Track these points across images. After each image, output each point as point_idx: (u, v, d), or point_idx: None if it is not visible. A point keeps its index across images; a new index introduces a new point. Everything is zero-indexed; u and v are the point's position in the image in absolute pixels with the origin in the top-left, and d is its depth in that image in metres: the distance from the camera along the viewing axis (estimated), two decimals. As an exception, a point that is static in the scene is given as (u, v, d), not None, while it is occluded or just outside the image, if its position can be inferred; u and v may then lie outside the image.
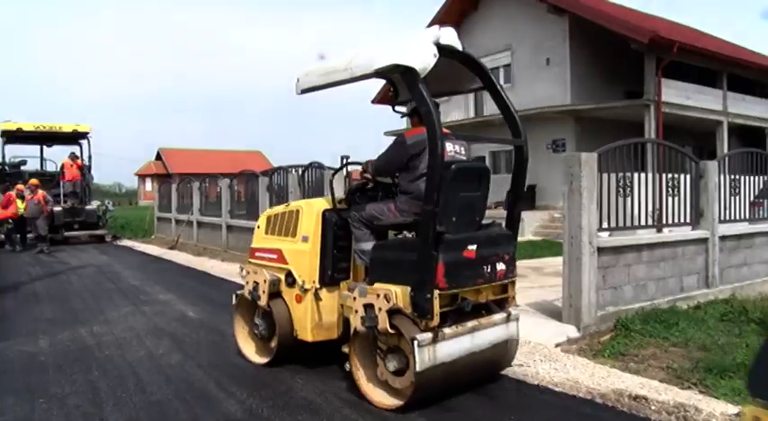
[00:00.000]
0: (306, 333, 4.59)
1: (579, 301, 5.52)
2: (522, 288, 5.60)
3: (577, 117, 16.78)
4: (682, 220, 6.85)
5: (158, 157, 56.47)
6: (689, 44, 15.32)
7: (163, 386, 4.43)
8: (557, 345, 5.30)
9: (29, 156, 19.54)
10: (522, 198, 4.54)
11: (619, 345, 5.21)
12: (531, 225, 15.97)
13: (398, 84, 4.73)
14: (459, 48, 4.25)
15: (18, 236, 15.33)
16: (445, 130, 4.14)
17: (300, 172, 11.40)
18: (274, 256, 4.87)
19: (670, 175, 6.78)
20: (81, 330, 6.27)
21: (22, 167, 18.78)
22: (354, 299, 4.09)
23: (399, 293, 3.82)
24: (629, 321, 5.69)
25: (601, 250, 5.70)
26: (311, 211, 4.69)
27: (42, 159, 20.05)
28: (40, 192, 15.24)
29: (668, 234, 6.70)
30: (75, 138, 18.33)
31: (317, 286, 4.55)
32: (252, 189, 13.01)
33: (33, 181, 15.68)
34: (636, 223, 6.31)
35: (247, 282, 4.99)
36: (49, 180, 18.40)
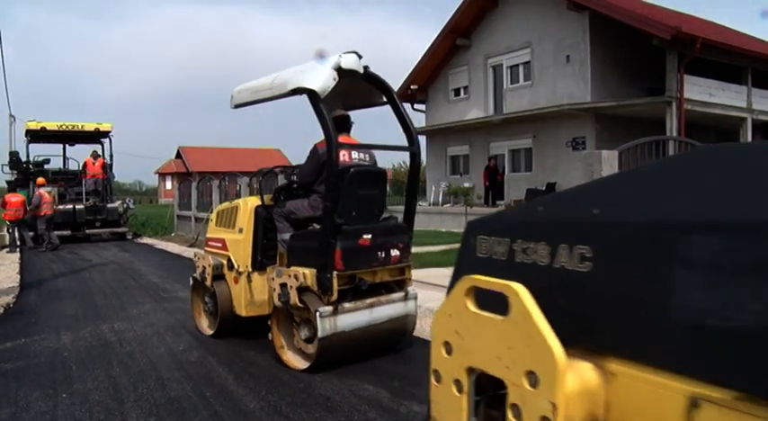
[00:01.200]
0: (241, 309, 5.44)
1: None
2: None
3: (597, 114, 16.63)
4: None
5: (178, 156, 56.93)
6: (712, 40, 15.09)
7: (183, 382, 4.47)
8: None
9: (52, 154, 19.84)
10: (415, 196, 5.44)
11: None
12: (551, 223, 15.86)
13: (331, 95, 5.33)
14: (361, 71, 4.85)
15: (32, 234, 15.48)
16: (353, 141, 5.15)
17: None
18: (220, 245, 5.75)
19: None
20: (103, 326, 6.35)
21: (46, 166, 19.06)
22: (273, 279, 4.93)
23: (308, 274, 4.60)
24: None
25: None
26: (246, 208, 5.49)
27: (65, 158, 20.34)
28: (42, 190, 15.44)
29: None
30: (97, 136, 18.55)
31: (250, 270, 5.34)
32: (271, 187, 13.06)
33: (40, 180, 15.87)
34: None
35: (197, 267, 5.94)
36: (71, 178, 18.67)
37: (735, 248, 1.21)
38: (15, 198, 15.15)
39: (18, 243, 15.12)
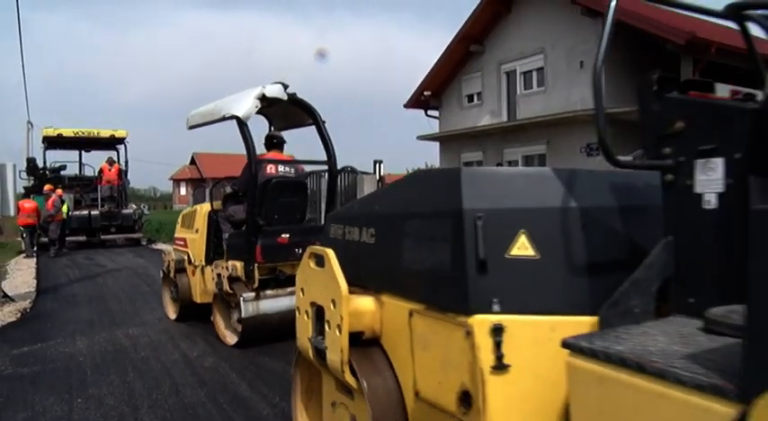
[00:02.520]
0: (196, 297, 6.44)
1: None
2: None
3: (612, 120, 16.48)
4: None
5: (192, 162, 57.22)
6: (727, 44, 14.96)
7: (197, 388, 4.49)
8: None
9: (68, 161, 20.01)
10: (334, 202, 6.41)
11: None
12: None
13: (272, 117, 6.83)
14: (285, 98, 5.72)
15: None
16: (281, 156, 6.17)
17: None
18: (182, 243, 6.83)
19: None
20: (117, 332, 6.39)
21: (62, 172, 19.23)
22: (212, 270, 5.95)
23: (238, 266, 5.49)
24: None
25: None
26: (201, 212, 6.51)
27: (81, 164, 20.51)
28: (53, 196, 15.59)
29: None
30: (112, 143, 18.69)
31: (204, 264, 6.23)
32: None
33: (48, 186, 16.00)
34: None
35: (165, 262, 7.09)
36: (87, 184, 18.82)
37: (415, 225, 2.20)
38: (28, 204, 15.28)
39: (34, 248, 15.26)
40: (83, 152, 20.16)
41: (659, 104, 1.88)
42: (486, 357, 1.81)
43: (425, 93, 22.76)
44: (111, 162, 18.18)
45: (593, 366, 1.50)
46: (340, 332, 2.38)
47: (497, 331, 1.82)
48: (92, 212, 16.84)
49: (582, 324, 1.82)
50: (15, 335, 6.37)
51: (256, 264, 5.41)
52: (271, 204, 5.68)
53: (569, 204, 1.97)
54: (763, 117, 1.55)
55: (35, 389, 4.52)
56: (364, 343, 2.44)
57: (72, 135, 17.89)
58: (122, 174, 18.39)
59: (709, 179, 1.68)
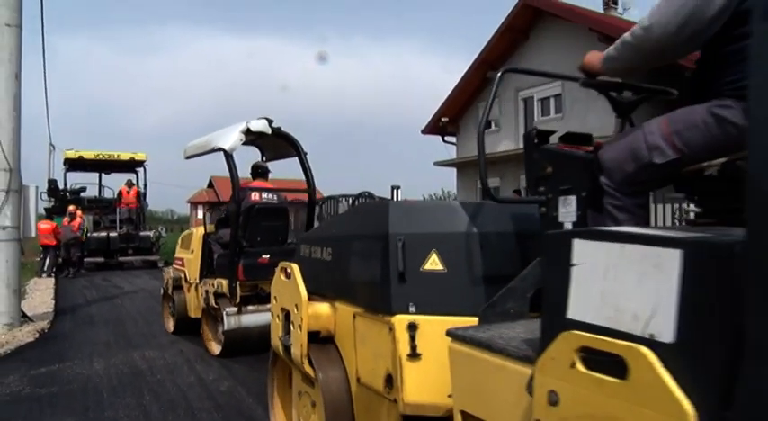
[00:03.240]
0: (191, 312, 7.01)
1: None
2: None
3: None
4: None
5: (210, 185, 57.64)
6: (746, 73, 14.97)
7: (212, 412, 4.47)
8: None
9: (88, 182, 20.26)
10: (312, 227, 6.59)
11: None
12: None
13: (263, 149, 7.43)
14: (269, 132, 6.31)
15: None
16: (266, 184, 6.80)
17: (351, 201, 11.49)
18: (180, 263, 7.45)
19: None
20: (134, 354, 6.40)
21: (82, 194, 19.46)
22: (201, 287, 6.56)
23: (223, 283, 6.02)
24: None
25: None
26: (197, 234, 7.04)
27: (101, 186, 20.75)
28: (78, 219, 15.77)
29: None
30: (132, 166, 18.92)
31: (197, 281, 6.72)
32: (302, 218, 13.16)
33: (71, 207, 16.16)
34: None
35: (164, 280, 7.79)
36: (106, 206, 19.02)
37: (358, 246, 2.73)
38: (45, 224, 15.43)
39: (52, 269, 15.41)
40: (102, 174, 20.42)
41: (537, 153, 2.32)
42: (404, 348, 2.33)
43: (443, 119, 22.85)
44: (130, 184, 18.39)
45: (463, 348, 1.97)
46: (301, 330, 2.95)
47: (412, 327, 2.33)
48: (110, 234, 16.99)
49: (475, 322, 2.20)
50: (33, 356, 6.40)
51: (239, 282, 5.89)
52: (254, 228, 6.26)
53: (471, 230, 2.50)
54: (591, 165, 2.09)
55: (52, 411, 4.52)
56: (321, 340, 2.99)
57: (93, 157, 18.14)
58: (141, 196, 18.58)
59: (567, 211, 2.15)
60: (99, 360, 6.13)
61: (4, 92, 7.81)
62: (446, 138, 23.73)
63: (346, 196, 11.79)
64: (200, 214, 56.86)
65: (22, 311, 8.36)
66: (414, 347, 2.32)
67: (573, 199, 2.13)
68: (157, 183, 32.95)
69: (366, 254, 2.65)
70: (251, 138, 6.36)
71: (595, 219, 2.05)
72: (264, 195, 6.58)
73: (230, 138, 6.12)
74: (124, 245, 17.19)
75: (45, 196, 18.02)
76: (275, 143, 6.87)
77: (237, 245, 6.04)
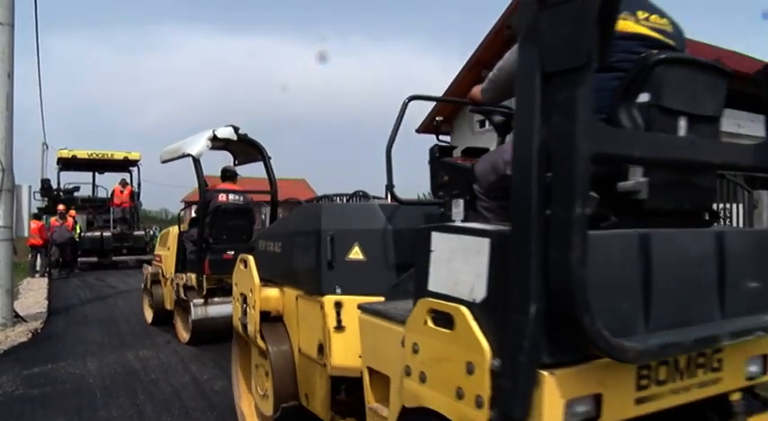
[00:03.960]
0: (167, 304, 7.69)
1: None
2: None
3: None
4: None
5: (205, 184, 57.37)
6: (739, 71, 14.96)
7: (206, 412, 4.47)
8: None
9: (82, 182, 20.17)
10: None
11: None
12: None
13: (234, 153, 7.90)
14: (235, 138, 6.86)
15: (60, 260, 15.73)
16: (233, 186, 7.40)
17: (345, 200, 11.48)
18: (159, 259, 8.21)
19: (721, 205, 6.61)
20: (127, 353, 6.39)
21: (75, 193, 19.37)
22: (172, 280, 7.27)
23: (192, 277, 6.66)
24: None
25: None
26: (173, 232, 7.72)
27: (94, 186, 20.67)
28: (69, 218, 15.71)
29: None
30: (125, 165, 18.84)
31: (173, 276, 7.32)
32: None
33: (61, 207, 16.07)
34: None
35: (144, 275, 8.62)
36: (99, 205, 18.95)
37: (299, 240, 3.19)
38: (33, 224, 15.33)
39: (47, 268, 15.34)
40: (96, 174, 20.34)
41: (437, 165, 2.92)
42: (331, 321, 2.85)
43: (437, 118, 22.79)
44: (123, 184, 18.30)
45: (368, 318, 2.49)
46: (255, 311, 3.47)
47: (338, 305, 2.86)
48: (104, 234, 16.92)
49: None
50: (26, 356, 6.37)
51: (205, 276, 6.48)
52: (220, 226, 6.83)
53: (387, 227, 3.01)
54: (468, 175, 2.58)
55: (45, 411, 4.51)
56: (272, 319, 3.49)
57: (86, 157, 18.06)
58: (135, 195, 18.51)
59: (457, 211, 2.62)
60: (92, 360, 6.11)
61: (-4, 91, 7.77)
62: (440, 137, 23.65)
63: (340, 195, 11.78)
64: (194, 213, 56.82)
65: (15, 311, 8.32)
66: (339, 321, 2.85)
67: (461, 202, 2.63)
68: (151, 182, 32.67)
69: (304, 246, 3.17)
70: (219, 144, 6.93)
71: (473, 217, 2.57)
72: (231, 197, 7.13)
73: (198, 144, 6.70)
74: (118, 244, 17.13)
75: (38, 196, 17.95)
76: (245, 148, 7.46)
77: (204, 242, 6.62)
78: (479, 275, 1.80)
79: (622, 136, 1.82)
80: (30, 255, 15.77)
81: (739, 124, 15.72)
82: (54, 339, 7.34)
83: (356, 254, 2.96)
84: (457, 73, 21.84)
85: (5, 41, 7.84)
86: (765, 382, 2.24)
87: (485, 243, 1.81)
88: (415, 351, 2.03)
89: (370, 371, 2.48)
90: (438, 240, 2.04)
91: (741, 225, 6.68)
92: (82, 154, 17.98)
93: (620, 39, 2.17)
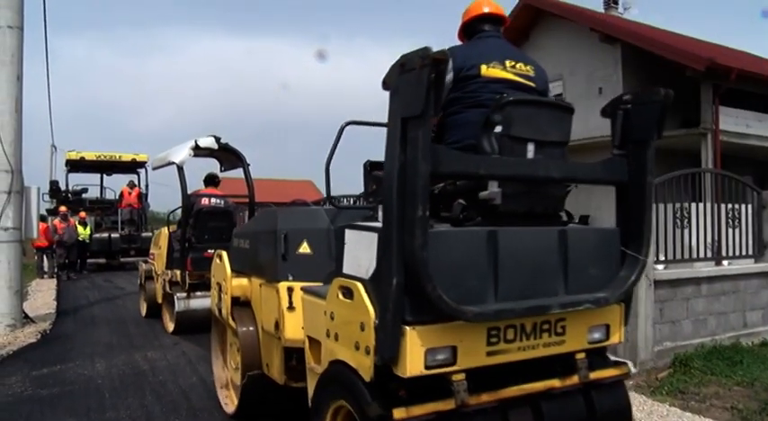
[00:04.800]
0: (159, 299, 8.38)
1: (635, 336, 5.36)
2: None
3: (631, 146, 16.37)
4: (743, 253, 6.61)
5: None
6: (748, 70, 14.86)
7: (214, 412, 4.48)
8: (612, 381, 5.15)
9: (90, 184, 20.25)
10: None
11: (678, 383, 5.03)
12: (584, 256, 15.60)
13: (220, 160, 8.58)
14: (216, 147, 7.69)
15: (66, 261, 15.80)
16: (215, 191, 8.16)
17: (352, 201, 11.48)
18: (152, 257, 8.93)
19: (730, 206, 6.57)
20: (136, 354, 6.41)
21: (84, 195, 19.46)
22: (160, 276, 8.15)
23: (177, 273, 7.40)
24: (689, 357, 5.48)
25: (657, 283, 5.54)
26: (164, 233, 8.37)
27: (102, 187, 20.75)
28: (71, 219, 15.78)
29: (728, 267, 6.45)
30: (133, 167, 18.91)
31: (163, 273, 8.01)
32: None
33: (63, 208, 16.12)
34: (693, 255, 6.12)
35: (139, 272, 9.56)
36: (107, 207, 19.02)
37: (261, 238, 3.96)
38: (40, 226, 15.37)
39: (52, 269, 15.43)
40: (104, 175, 20.42)
41: (369, 177, 3.42)
42: (285, 303, 3.54)
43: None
44: (131, 185, 18.35)
45: (307, 297, 3.19)
46: (227, 296, 4.25)
47: (290, 290, 3.55)
48: (112, 235, 16.98)
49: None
50: (35, 357, 6.41)
51: (187, 272, 7.23)
52: (202, 227, 7.59)
53: (330, 227, 3.68)
54: (381, 182, 2.74)
55: (53, 412, 4.54)
56: (241, 304, 4.24)
57: (94, 158, 18.13)
58: (143, 197, 18.55)
59: (381, 214, 2.72)
60: (101, 361, 6.14)
61: (5, 93, 7.83)
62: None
63: (347, 196, 11.79)
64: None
65: (24, 312, 8.38)
66: (291, 302, 3.53)
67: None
68: (159, 183, 32.73)
69: (265, 243, 3.89)
70: (203, 152, 7.72)
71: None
72: (213, 200, 7.92)
73: (181, 153, 7.48)
74: (126, 245, 17.17)
75: (47, 197, 18.03)
76: (228, 156, 8.24)
77: (187, 241, 7.36)
78: (371, 259, 2.51)
79: (463, 158, 2.52)
80: (36, 257, 15.85)
81: (748, 124, 15.69)
82: (63, 340, 7.38)
83: (305, 248, 3.70)
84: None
85: (15, 45, 7.89)
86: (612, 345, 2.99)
87: (374, 236, 2.52)
88: (332, 318, 2.77)
89: (310, 339, 3.14)
90: (349, 235, 2.82)
91: (750, 225, 6.65)
92: (90, 155, 18.06)
93: (490, 82, 2.87)
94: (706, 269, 6.19)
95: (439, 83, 2.38)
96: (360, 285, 2.51)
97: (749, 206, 6.74)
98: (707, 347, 5.77)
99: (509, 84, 2.91)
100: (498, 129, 2.63)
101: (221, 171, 8.64)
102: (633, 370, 5.29)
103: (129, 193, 18.10)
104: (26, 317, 8.34)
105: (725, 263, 6.49)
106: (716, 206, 6.49)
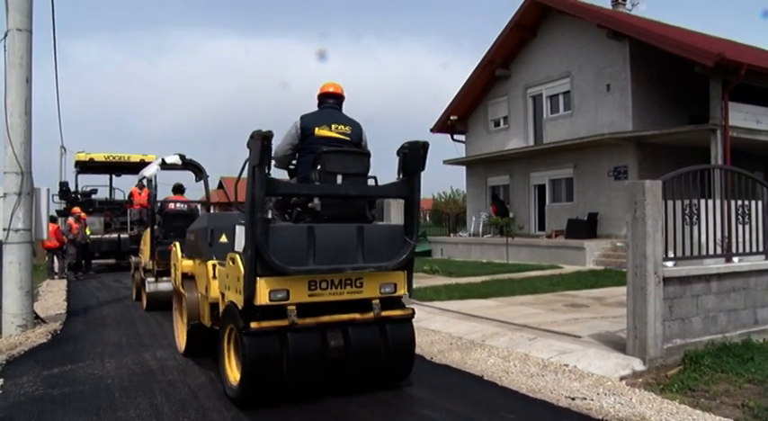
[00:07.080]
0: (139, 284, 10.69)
1: (645, 333, 5.33)
2: (583, 318, 6.38)
3: (639, 143, 16.39)
4: (753, 249, 6.56)
5: (220, 186, 57.71)
6: (757, 65, 14.75)
7: (223, 412, 4.49)
8: (621, 379, 5.12)
9: (99, 185, 20.36)
10: None
11: (688, 380, 4.99)
12: (593, 254, 15.57)
13: (194, 172, 10.93)
14: (180, 163, 10.27)
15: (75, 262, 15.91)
16: (181, 198, 10.87)
17: None
18: (141, 252, 10.77)
19: (740, 202, 6.53)
20: (145, 354, 6.44)
21: (93, 196, 19.56)
22: (138, 265, 10.79)
23: (150, 263, 9.44)
24: (699, 355, 5.44)
25: (667, 280, 5.50)
26: (148, 232, 10.00)
27: (111, 188, 20.86)
28: (83, 215, 15.91)
29: (739, 264, 6.40)
30: (142, 167, 18.95)
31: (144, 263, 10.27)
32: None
33: (76, 209, 16.21)
34: (703, 252, 6.08)
35: (131, 264, 11.85)
36: (117, 208, 19.12)
37: (200, 232, 6.23)
38: (50, 227, 15.50)
39: (62, 270, 15.51)
40: (113, 176, 20.51)
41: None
42: (210, 274, 5.37)
43: (452, 117, 22.82)
44: (141, 186, 18.41)
45: (219, 267, 5.27)
46: (179, 272, 6.41)
47: (214, 266, 5.38)
48: (121, 236, 17.07)
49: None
50: (46, 357, 6.45)
51: (155, 262, 9.27)
52: (168, 227, 9.74)
53: (236, 223, 4.87)
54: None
55: (64, 411, 4.56)
56: (188, 277, 6.23)
57: (103, 159, 18.24)
58: (152, 198, 18.58)
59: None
60: (111, 360, 6.18)
61: (15, 96, 7.88)
62: (455, 136, 23.68)
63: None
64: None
65: (35, 313, 8.43)
66: (214, 274, 5.33)
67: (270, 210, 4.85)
68: (168, 184, 32.89)
69: (202, 236, 5.96)
70: (171, 167, 10.27)
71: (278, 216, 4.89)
72: (178, 205, 10.51)
73: (151, 169, 10.23)
74: (135, 246, 17.19)
75: (56, 198, 18.14)
76: (194, 169, 10.70)
77: (156, 238, 9.50)
78: (242, 241, 4.42)
79: (291, 185, 4.87)
80: (46, 258, 15.95)
81: (758, 120, 15.56)
82: (73, 340, 7.43)
83: (224, 239, 5.59)
84: (471, 71, 21.80)
85: (24, 48, 7.94)
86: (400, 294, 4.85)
87: (243, 228, 4.43)
88: (227, 276, 4.85)
89: (221, 294, 5.10)
90: (237, 228, 4.81)
91: (761, 222, 6.62)
92: (99, 157, 18.17)
93: (320, 138, 4.85)
94: (716, 266, 6.15)
95: (267, 147, 4.21)
96: (238, 256, 4.57)
97: (759, 202, 6.69)
98: (717, 344, 5.73)
99: (332, 140, 4.89)
100: (318, 166, 4.63)
101: (197, 180, 10.97)
102: (643, 367, 5.26)
103: (139, 194, 18.15)
104: (37, 317, 8.39)
105: (735, 259, 6.45)
106: (726, 202, 6.45)
